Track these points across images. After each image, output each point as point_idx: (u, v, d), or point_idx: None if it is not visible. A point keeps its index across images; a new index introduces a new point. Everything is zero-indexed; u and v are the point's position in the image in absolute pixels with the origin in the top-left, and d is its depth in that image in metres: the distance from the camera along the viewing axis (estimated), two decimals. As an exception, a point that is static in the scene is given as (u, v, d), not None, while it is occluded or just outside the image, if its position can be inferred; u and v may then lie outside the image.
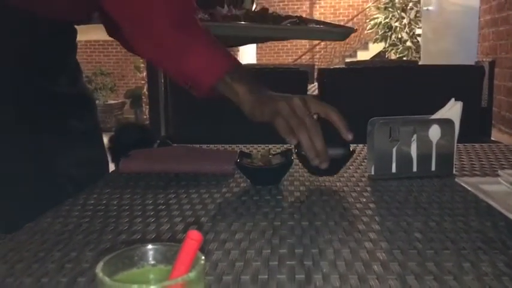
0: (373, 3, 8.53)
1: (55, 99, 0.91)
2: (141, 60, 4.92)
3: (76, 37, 0.98)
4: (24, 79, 0.86)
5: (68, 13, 0.92)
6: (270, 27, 0.91)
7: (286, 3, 12.91)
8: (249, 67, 4.01)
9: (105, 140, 1.06)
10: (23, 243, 0.57)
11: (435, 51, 5.02)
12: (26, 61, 0.87)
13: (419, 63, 5.11)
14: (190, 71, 0.85)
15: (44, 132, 0.88)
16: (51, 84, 0.91)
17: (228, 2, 0.94)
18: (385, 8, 6.30)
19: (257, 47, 9.62)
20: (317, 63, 11.69)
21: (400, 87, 1.87)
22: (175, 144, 1.10)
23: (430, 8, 4.89)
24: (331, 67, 5.84)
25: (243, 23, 0.93)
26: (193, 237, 0.32)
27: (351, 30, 0.97)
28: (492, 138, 2.08)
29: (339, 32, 1.05)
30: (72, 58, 1.00)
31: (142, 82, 5.11)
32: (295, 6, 12.93)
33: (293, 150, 0.85)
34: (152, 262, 0.35)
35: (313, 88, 2.85)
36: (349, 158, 0.85)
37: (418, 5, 6.01)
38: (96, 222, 0.65)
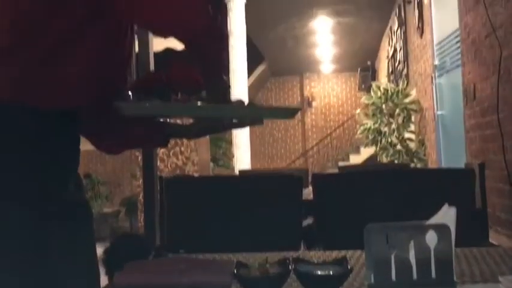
0: (361, 109, 8.90)
1: (58, 208, 0.92)
2: (138, 168, 4.99)
3: (79, 143, 1.02)
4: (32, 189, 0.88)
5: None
6: (216, 106, 0.97)
7: (278, 110, 13.39)
8: (245, 173, 4.06)
9: (100, 251, 1.04)
10: None
11: (448, 154, 5.16)
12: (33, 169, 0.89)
13: (440, 166, 5.19)
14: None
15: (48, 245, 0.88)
16: (58, 191, 0.92)
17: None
18: (373, 115, 6.56)
19: (251, 153, 9.80)
20: (311, 167, 11.88)
21: (393, 191, 1.89)
22: (170, 255, 1.09)
23: (443, 112, 5.12)
24: (325, 172, 5.92)
25: (187, 104, 1.01)
26: None
27: (298, 109, 1.05)
28: (490, 240, 2.06)
29: (287, 111, 1.13)
30: (76, 165, 1.02)
31: (138, 190, 5.13)
32: (287, 114, 13.40)
33: (291, 264, 0.84)
34: None
35: (308, 193, 2.87)
36: (347, 277, 0.84)
37: (405, 111, 6.27)
38: None
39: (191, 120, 1.13)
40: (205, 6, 0.85)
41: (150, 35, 2.45)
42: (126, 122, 1.05)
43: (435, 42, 5.31)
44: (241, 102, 0.99)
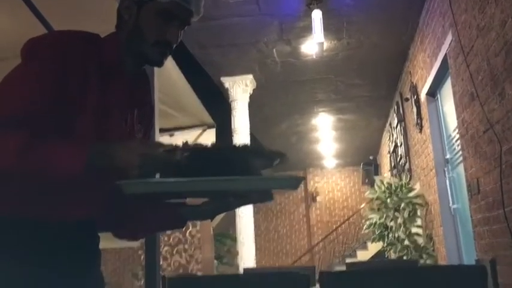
0: (366, 204, 8.86)
1: None
2: (140, 267, 4.88)
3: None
4: None
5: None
6: (218, 179, 0.94)
7: (283, 206, 13.38)
8: (250, 271, 3.94)
9: None
10: None
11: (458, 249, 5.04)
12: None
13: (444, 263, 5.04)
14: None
15: None
16: None
17: None
18: (379, 209, 6.50)
19: (256, 250, 9.64)
20: (317, 263, 11.55)
21: (403, 290, 1.84)
22: None
23: (456, 205, 5.06)
24: (332, 270, 5.75)
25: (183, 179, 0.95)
26: None
27: (302, 178, 1.06)
28: None
29: (292, 179, 1.09)
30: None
31: (139, 290, 4.97)
32: (292, 209, 13.37)
33: None
34: None
35: (315, 292, 2.78)
36: None
37: (410, 205, 6.22)
38: None
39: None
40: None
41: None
42: (137, 207, 1.08)
43: (445, 135, 5.38)
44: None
